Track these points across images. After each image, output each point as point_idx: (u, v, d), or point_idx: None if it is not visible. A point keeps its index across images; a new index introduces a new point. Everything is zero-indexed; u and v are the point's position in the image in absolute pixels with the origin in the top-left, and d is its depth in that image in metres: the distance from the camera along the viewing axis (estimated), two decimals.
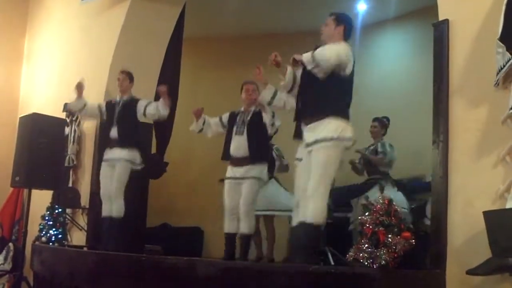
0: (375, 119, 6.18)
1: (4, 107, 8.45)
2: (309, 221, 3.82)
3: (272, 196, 5.89)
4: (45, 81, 8.05)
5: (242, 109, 5.20)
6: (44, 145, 6.21)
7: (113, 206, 5.46)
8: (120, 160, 5.50)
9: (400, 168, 6.31)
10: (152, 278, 4.35)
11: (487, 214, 3.28)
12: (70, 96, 7.03)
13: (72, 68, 7.42)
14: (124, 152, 5.51)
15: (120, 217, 5.46)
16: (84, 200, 6.50)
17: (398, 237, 3.33)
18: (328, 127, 3.90)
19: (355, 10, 7.94)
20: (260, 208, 5.55)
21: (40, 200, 6.53)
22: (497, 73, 3.49)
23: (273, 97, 4.64)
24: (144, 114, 5.62)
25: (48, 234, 5.98)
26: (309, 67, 3.93)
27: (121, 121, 5.58)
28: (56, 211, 6.13)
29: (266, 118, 4.98)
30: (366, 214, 3.45)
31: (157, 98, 5.81)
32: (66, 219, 6.34)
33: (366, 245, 3.35)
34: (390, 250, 3.29)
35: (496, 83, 3.53)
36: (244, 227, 4.98)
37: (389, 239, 3.31)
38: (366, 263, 3.31)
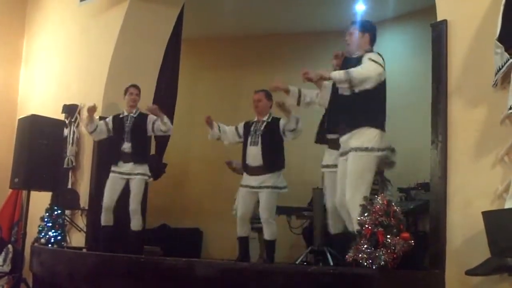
0: None
1: (3, 108, 8.44)
2: (352, 230, 3.86)
3: None
4: (44, 83, 8.04)
5: (256, 118, 5.33)
6: (43, 147, 6.21)
7: (134, 221, 5.68)
8: (136, 176, 5.69)
9: (399, 168, 6.30)
10: (151, 279, 4.36)
11: (486, 215, 3.28)
12: (69, 97, 7.08)
13: (70, 69, 7.42)
14: (139, 168, 5.70)
15: (139, 230, 5.71)
16: (83, 201, 6.50)
17: (397, 237, 3.33)
18: (363, 137, 3.93)
19: (354, 11, 7.96)
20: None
21: (39, 201, 6.52)
22: (496, 74, 3.50)
23: (298, 98, 4.84)
24: (153, 129, 5.82)
25: (47, 236, 5.96)
26: (341, 85, 3.94)
27: (134, 136, 5.74)
28: (55, 212, 6.12)
29: (290, 124, 5.05)
30: (365, 214, 3.45)
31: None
32: (65, 221, 6.33)
33: (365, 246, 3.34)
34: (389, 251, 3.29)
35: (494, 84, 3.54)
36: (267, 234, 5.19)
37: (388, 240, 3.31)
38: (365, 263, 3.31)
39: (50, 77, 7.89)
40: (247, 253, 5.28)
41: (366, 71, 3.84)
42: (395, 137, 6.41)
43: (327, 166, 4.74)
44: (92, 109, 5.81)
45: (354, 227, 3.71)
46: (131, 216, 5.69)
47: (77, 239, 6.49)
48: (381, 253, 3.28)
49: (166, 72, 7.08)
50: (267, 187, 5.11)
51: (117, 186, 5.71)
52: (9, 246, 7.10)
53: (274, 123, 5.20)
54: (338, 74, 3.91)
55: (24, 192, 7.05)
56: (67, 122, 6.87)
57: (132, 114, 5.84)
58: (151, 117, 5.80)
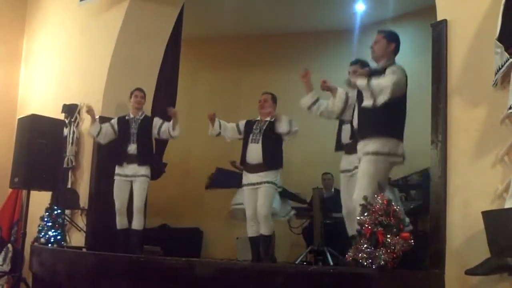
0: None
1: (3, 108, 8.44)
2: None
3: None
4: (44, 82, 8.04)
5: (259, 118, 5.44)
6: (43, 146, 6.21)
7: (136, 220, 5.73)
8: (140, 177, 5.76)
9: (398, 168, 6.30)
10: (152, 279, 4.36)
11: (486, 214, 3.28)
12: (69, 97, 7.08)
13: (70, 69, 7.42)
14: (143, 169, 5.77)
15: (141, 229, 5.76)
16: (83, 201, 6.50)
17: (397, 237, 3.33)
18: (378, 143, 4.01)
19: (354, 10, 7.96)
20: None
21: (39, 201, 6.52)
22: (496, 73, 3.49)
23: (313, 103, 4.95)
24: (158, 133, 5.89)
25: (47, 235, 5.96)
26: (364, 93, 4.07)
27: (139, 138, 5.81)
28: (55, 212, 6.12)
29: (282, 127, 5.19)
30: (365, 214, 3.45)
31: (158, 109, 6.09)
32: (65, 220, 6.33)
33: (365, 245, 3.34)
34: (389, 250, 3.29)
35: (494, 83, 3.53)
36: (264, 230, 5.22)
37: (388, 239, 3.31)
38: (365, 263, 3.31)
39: (50, 77, 7.89)
40: (259, 253, 5.32)
41: (384, 81, 3.97)
42: None
43: (343, 171, 4.87)
44: (90, 111, 5.91)
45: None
46: (134, 215, 5.74)
47: (77, 238, 6.49)
48: (381, 252, 3.29)
49: (166, 72, 7.08)
50: (266, 182, 5.19)
51: (124, 189, 5.80)
52: (9, 245, 7.09)
53: (275, 123, 5.29)
54: (361, 82, 4.07)
55: (24, 192, 7.05)
56: (67, 121, 6.87)
57: (137, 117, 5.90)
58: (156, 121, 5.90)
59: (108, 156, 6.13)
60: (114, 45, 6.61)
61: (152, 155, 6.05)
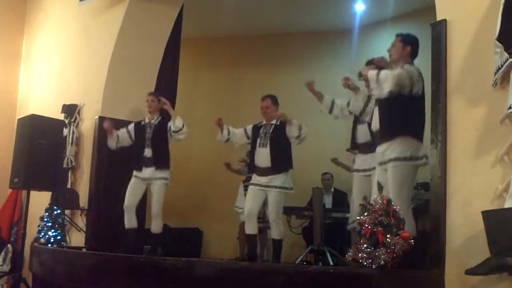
0: None
1: (2, 108, 8.44)
2: None
3: None
4: (43, 83, 8.04)
5: (264, 122, 5.49)
6: (42, 147, 6.22)
7: (154, 224, 5.83)
8: (158, 180, 5.77)
9: None
10: (151, 279, 4.35)
11: (486, 214, 3.28)
12: (69, 97, 7.07)
13: (70, 69, 7.42)
14: (160, 173, 5.77)
15: (159, 232, 5.84)
16: (83, 201, 6.50)
17: (397, 237, 3.33)
18: (400, 146, 4.01)
19: (354, 10, 7.96)
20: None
21: (39, 201, 6.52)
22: (495, 73, 3.50)
23: (332, 107, 5.09)
24: (170, 135, 5.86)
25: (47, 235, 5.96)
26: (372, 84, 4.11)
27: (154, 142, 5.80)
28: (55, 212, 6.11)
29: (292, 132, 5.26)
30: (365, 214, 3.45)
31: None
32: (65, 220, 6.33)
33: (365, 245, 3.34)
34: (389, 250, 3.29)
35: (494, 83, 3.54)
36: (275, 234, 5.37)
37: (388, 239, 3.31)
38: (365, 263, 3.31)
39: (49, 77, 7.89)
40: (256, 251, 5.41)
41: (390, 73, 3.98)
42: None
43: (357, 170, 4.91)
44: (109, 126, 5.88)
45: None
46: (153, 219, 5.81)
47: (76, 239, 6.49)
48: (380, 252, 3.29)
49: (166, 72, 7.08)
50: (275, 187, 5.26)
51: (138, 189, 5.82)
52: (9, 245, 7.10)
53: (282, 126, 5.35)
54: (371, 73, 4.09)
55: (24, 192, 7.05)
56: (66, 122, 6.87)
57: (152, 121, 5.89)
58: (169, 124, 5.83)
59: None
60: (114, 45, 6.61)
61: (169, 158, 5.93)
